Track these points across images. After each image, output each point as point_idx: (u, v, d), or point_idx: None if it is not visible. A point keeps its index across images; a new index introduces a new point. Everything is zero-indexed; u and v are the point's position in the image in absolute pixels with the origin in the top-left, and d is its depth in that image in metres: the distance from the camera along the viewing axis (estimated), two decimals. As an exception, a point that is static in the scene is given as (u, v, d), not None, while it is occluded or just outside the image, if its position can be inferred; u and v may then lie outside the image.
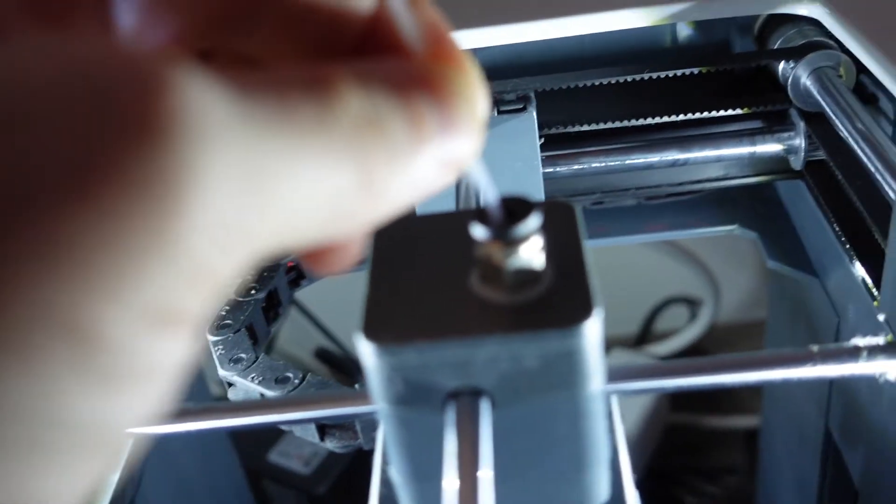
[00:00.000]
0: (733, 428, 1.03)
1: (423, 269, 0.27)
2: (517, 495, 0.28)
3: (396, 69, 0.17)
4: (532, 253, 0.25)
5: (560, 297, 0.25)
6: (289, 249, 0.16)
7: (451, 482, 0.23)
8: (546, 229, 0.25)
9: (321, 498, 0.83)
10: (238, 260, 0.14)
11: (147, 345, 0.13)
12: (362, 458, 0.85)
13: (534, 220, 0.24)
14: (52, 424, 0.12)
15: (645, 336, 1.09)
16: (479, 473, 0.23)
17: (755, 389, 0.99)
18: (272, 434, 0.89)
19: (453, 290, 0.26)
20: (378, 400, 0.26)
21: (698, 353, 1.06)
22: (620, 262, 0.98)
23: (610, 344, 0.98)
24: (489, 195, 0.24)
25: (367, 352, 0.24)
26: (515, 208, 0.25)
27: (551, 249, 0.26)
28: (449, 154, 0.18)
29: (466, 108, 0.18)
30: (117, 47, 0.13)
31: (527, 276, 0.25)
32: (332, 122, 0.15)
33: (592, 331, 0.24)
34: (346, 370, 1.04)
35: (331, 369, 1.05)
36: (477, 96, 0.18)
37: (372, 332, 0.24)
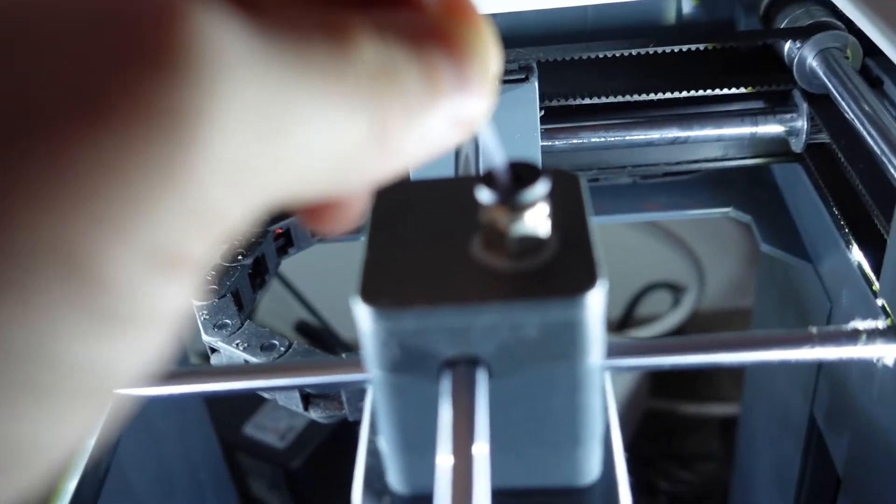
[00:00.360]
0: (710, 415, 1.04)
1: (423, 233, 0.26)
2: (510, 467, 0.27)
3: (412, 21, 0.17)
4: (538, 220, 0.24)
5: (564, 266, 0.25)
6: (296, 199, 0.16)
7: (445, 455, 0.22)
8: (551, 198, 0.25)
9: (296, 472, 0.83)
10: (248, 206, 0.14)
11: (151, 288, 0.12)
12: (337, 434, 0.85)
13: (541, 187, 0.24)
14: (47, 366, 0.11)
15: (626, 320, 1.09)
16: (475, 447, 0.23)
17: (734, 377, 1.00)
18: (248, 406, 0.88)
19: (454, 256, 0.25)
20: (372, 366, 0.25)
21: (680, 339, 1.07)
22: (605, 245, 0.98)
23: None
24: (497, 158, 0.23)
25: (363, 315, 0.24)
26: (523, 173, 0.24)
27: (556, 218, 0.25)
28: (462, 112, 0.17)
29: (480, 67, 0.17)
30: None
31: (531, 244, 0.24)
32: (348, 68, 0.15)
33: (596, 301, 0.24)
34: (326, 344, 1.04)
35: (311, 342, 1.04)
36: (490, 55, 0.18)
37: (369, 295, 0.24)
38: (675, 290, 1.07)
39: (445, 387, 0.24)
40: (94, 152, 0.11)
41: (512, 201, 0.24)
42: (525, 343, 0.24)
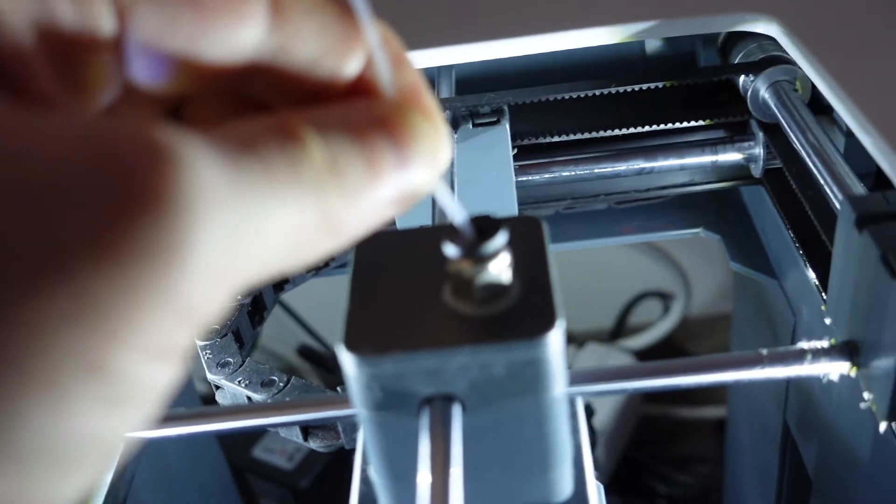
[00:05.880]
0: (704, 418, 1.04)
1: (400, 282, 0.28)
2: (487, 492, 0.29)
3: (359, 112, 0.19)
4: (500, 268, 0.26)
5: (526, 309, 0.26)
6: (259, 280, 0.19)
7: (424, 479, 0.25)
8: (513, 243, 0.26)
9: (304, 492, 0.85)
10: (224, 297, 0.17)
11: (147, 376, 0.15)
12: (344, 454, 0.86)
13: (501, 238, 0.25)
14: (68, 442, 0.15)
15: (619, 330, 1.11)
16: (451, 471, 0.25)
17: (726, 381, 1.00)
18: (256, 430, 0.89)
19: (428, 303, 0.27)
20: (358, 406, 0.27)
21: (670, 346, 1.08)
22: (596, 260, 1.00)
23: (585, 338, 1.00)
24: (456, 215, 0.25)
25: (347, 362, 0.26)
26: (484, 226, 0.26)
27: (518, 263, 0.27)
28: (404, 187, 0.20)
29: (423, 145, 0.20)
30: (125, 124, 0.16)
31: (495, 290, 0.26)
32: (299, 174, 0.17)
33: (555, 340, 0.25)
34: (328, 366, 1.05)
35: (314, 366, 1.06)
36: (436, 136, 0.20)
37: (352, 343, 0.26)
38: (664, 298, 1.08)
39: (424, 422, 0.26)
40: (103, 281, 0.14)
41: (475, 254, 0.25)
42: (494, 380, 0.26)
